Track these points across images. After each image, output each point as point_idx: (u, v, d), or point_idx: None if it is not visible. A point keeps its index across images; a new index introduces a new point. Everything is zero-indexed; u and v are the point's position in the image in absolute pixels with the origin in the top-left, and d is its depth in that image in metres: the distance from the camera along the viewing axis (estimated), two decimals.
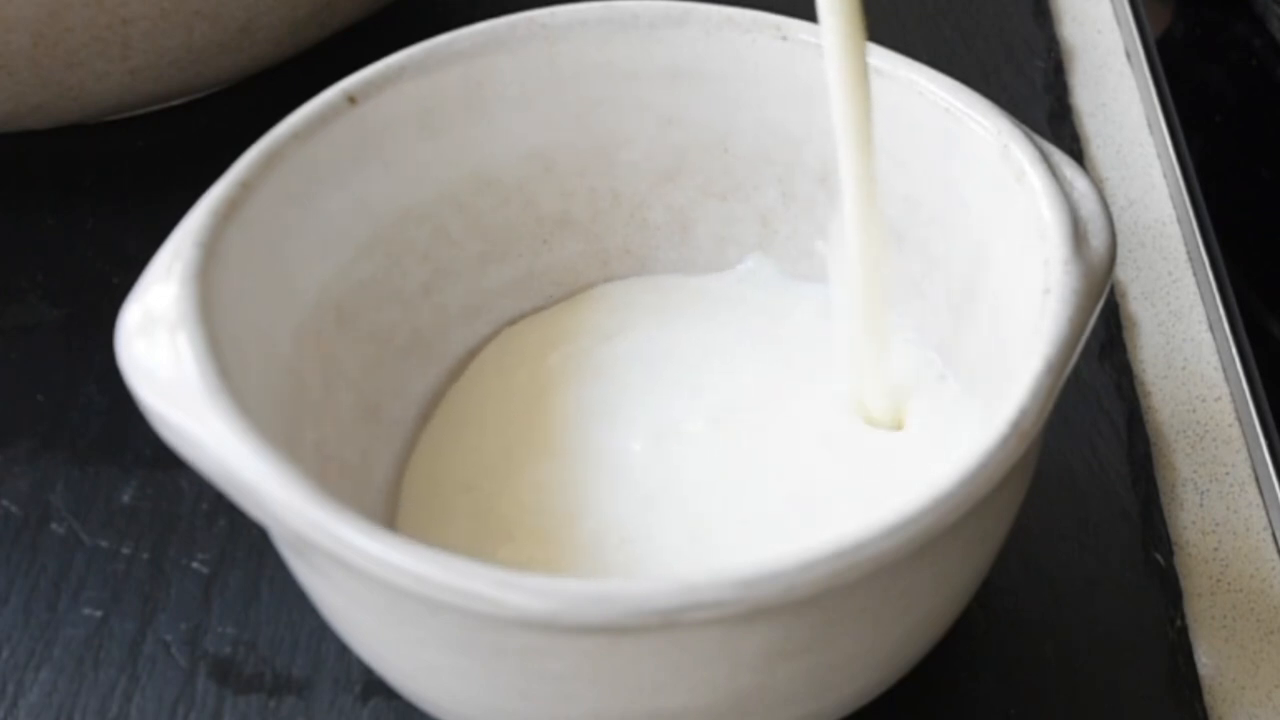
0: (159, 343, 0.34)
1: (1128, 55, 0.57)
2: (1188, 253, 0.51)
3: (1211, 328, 0.49)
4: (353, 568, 0.31)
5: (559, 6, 0.41)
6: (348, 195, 0.40)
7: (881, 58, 0.39)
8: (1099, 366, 0.46)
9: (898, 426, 0.40)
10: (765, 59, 0.41)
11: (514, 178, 0.42)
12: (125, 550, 0.43)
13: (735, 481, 0.39)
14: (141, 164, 0.53)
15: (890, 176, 0.40)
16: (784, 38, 0.40)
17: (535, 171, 0.43)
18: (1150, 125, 0.55)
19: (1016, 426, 0.32)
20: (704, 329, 0.43)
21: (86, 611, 0.42)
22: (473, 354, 0.43)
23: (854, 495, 0.39)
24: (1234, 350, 0.47)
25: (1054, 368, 0.33)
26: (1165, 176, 0.53)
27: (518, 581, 0.30)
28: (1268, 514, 0.44)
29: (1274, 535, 0.44)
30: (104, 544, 0.43)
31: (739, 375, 0.41)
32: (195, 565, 0.43)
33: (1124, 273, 0.50)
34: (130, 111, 0.53)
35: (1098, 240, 0.35)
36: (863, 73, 0.36)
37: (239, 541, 0.43)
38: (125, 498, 0.44)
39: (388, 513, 0.40)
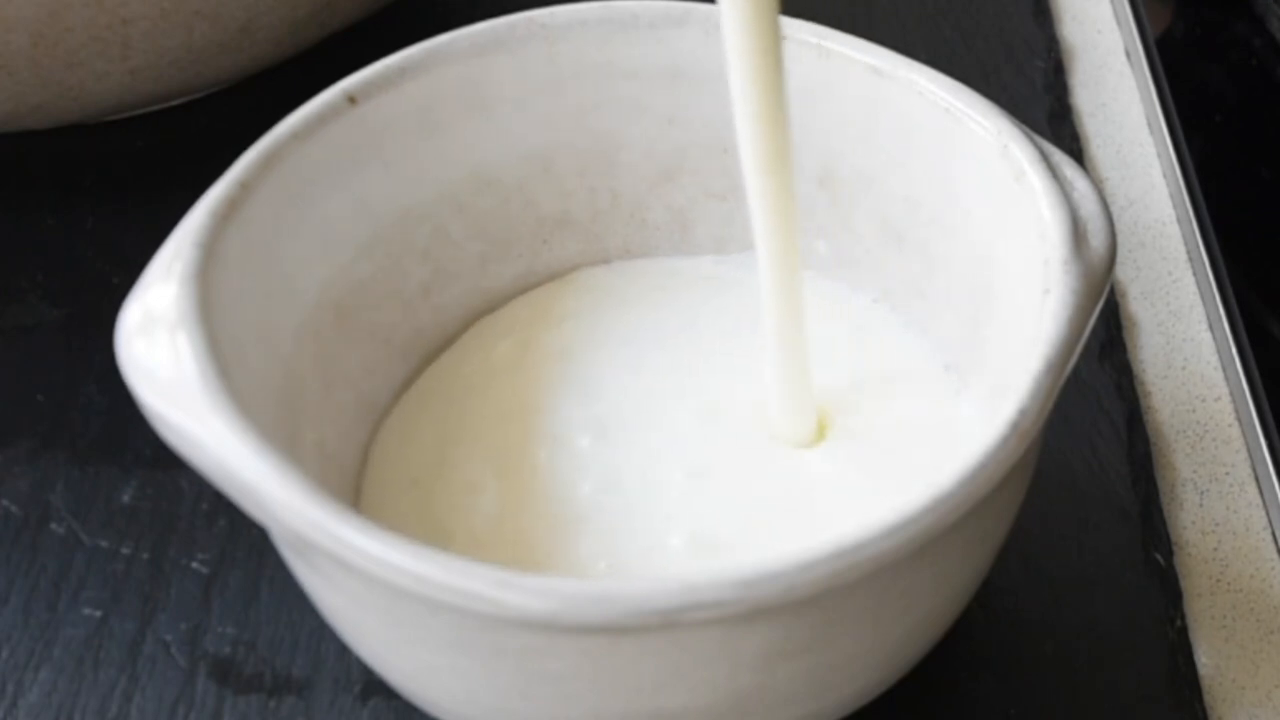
0: (159, 343, 0.34)
1: (1128, 55, 0.57)
2: (1188, 253, 0.51)
3: (1211, 327, 0.49)
4: (352, 568, 0.31)
5: (558, 6, 0.41)
6: (347, 195, 0.40)
7: (881, 57, 0.39)
8: (1099, 366, 0.46)
9: (809, 444, 0.39)
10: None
11: (514, 178, 0.42)
12: (125, 550, 0.43)
13: (714, 478, 0.39)
14: (141, 164, 0.53)
15: (890, 176, 0.40)
16: (783, 37, 0.40)
17: (535, 171, 0.43)
18: (1150, 125, 0.55)
19: (1016, 426, 0.32)
20: (668, 313, 0.43)
21: (86, 611, 0.42)
22: None
23: (849, 496, 0.39)
24: (1234, 350, 0.47)
25: (1054, 368, 0.33)
26: (1165, 176, 0.53)
27: (517, 581, 0.30)
28: (1268, 514, 0.44)
29: (1274, 535, 0.44)
30: (104, 544, 0.43)
31: (710, 362, 0.41)
32: (195, 565, 0.43)
33: (1124, 273, 0.50)
34: (130, 111, 0.53)
35: (1098, 240, 0.35)
36: (771, 46, 0.34)
37: (239, 541, 0.43)
38: (125, 498, 0.44)
39: None
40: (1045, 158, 0.37)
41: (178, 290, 0.35)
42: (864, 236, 0.42)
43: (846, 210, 0.42)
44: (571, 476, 0.39)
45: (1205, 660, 0.41)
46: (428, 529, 0.38)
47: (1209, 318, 0.49)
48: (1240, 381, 0.46)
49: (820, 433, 0.39)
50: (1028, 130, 0.37)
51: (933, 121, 0.39)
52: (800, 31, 0.40)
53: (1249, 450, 0.46)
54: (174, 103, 0.54)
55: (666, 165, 0.43)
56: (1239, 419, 0.46)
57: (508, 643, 0.31)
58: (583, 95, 0.42)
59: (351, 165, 0.40)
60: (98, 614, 0.42)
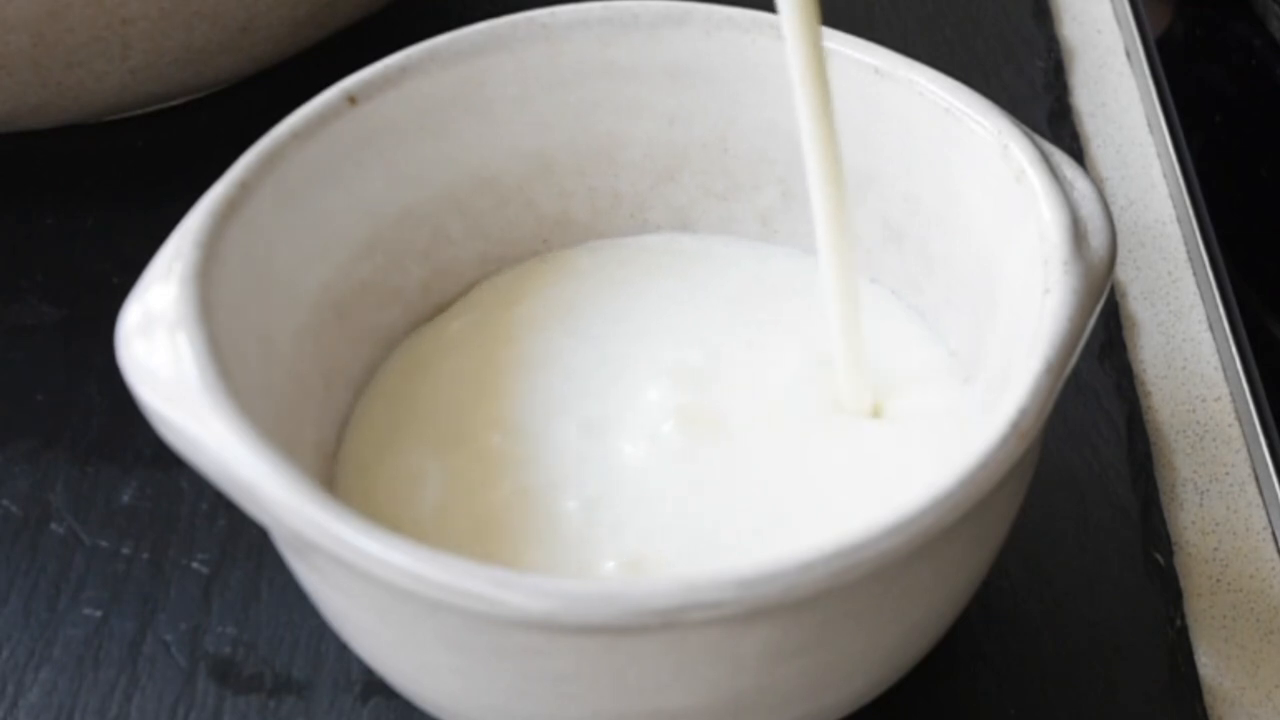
0: (159, 343, 0.34)
1: (1128, 55, 0.57)
2: (1188, 252, 0.51)
3: (1211, 327, 0.49)
4: (353, 568, 0.31)
5: (560, 6, 0.41)
6: (347, 195, 0.40)
7: (881, 57, 0.39)
8: (1099, 366, 0.46)
9: (875, 414, 0.39)
10: (765, 59, 0.41)
11: (514, 178, 0.43)
12: (125, 550, 0.43)
13: (712, 476, 0.39)
14: (141, 164, 0.53)
15: (890, 176, 0.41)
16: (784, 37, 0.40)
17: (535, 171, 0.43)
18: (1150, 125, 0.55)
19: (1016, 426, 0.32)
20: (665, 291, 0.42)
21: (86, 611, 0.42)
22: None
23: (851, 491, 0.39)
24: (1234, 350, 0.47)
25: (1054, 368, 0.33)
26: (1165, 176, 0.53)
27: (517, 581, 0.30)
28: (1268, 514, 0.44)
29: (1274, 535, 0.44)
30: (104, 544, 0.43)
31: (706, 344, 0.41)
32: (195, 565, 0.43)
33: (1124, 273, 0.50)
34: (130, 111, 0.53)
35: (1098, 240, 0.35)
36: (821, 59, 0.36)
37: (239, 541, 0.43)
38: (125, 498, 0.44)
39: None
40: (1045, 158, 0.37)
41: (178, 290, 0.35)
42: (864, 236, 0.42)
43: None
44: (529, 463, 0.39)
45: (1205, 661, 0.42)
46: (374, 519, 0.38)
47: (1209, 317, 0.49)
48: (1240, 381, 0.46)
49: (876, 408, 0.39)
50: (1028, 130, 0.37)
51: (933, 121, 0.39)
52: None
53: (1249, 450, 0.46)
54: (174, 103, 0.54)
55: (667, 165, 0.43)
56: (1239, 419, 0.46)
57: (507, 643, 0.31)
58: (583, 95, 0.42)
59: (351, 165, 0.40)
60: (98, 614, 0.42)
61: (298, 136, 0.39)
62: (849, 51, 0.40)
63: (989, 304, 0.38)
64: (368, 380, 0.41)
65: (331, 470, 0.39)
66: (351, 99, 0.40)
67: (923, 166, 0.40)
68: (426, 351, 0.42)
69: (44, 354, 0.48)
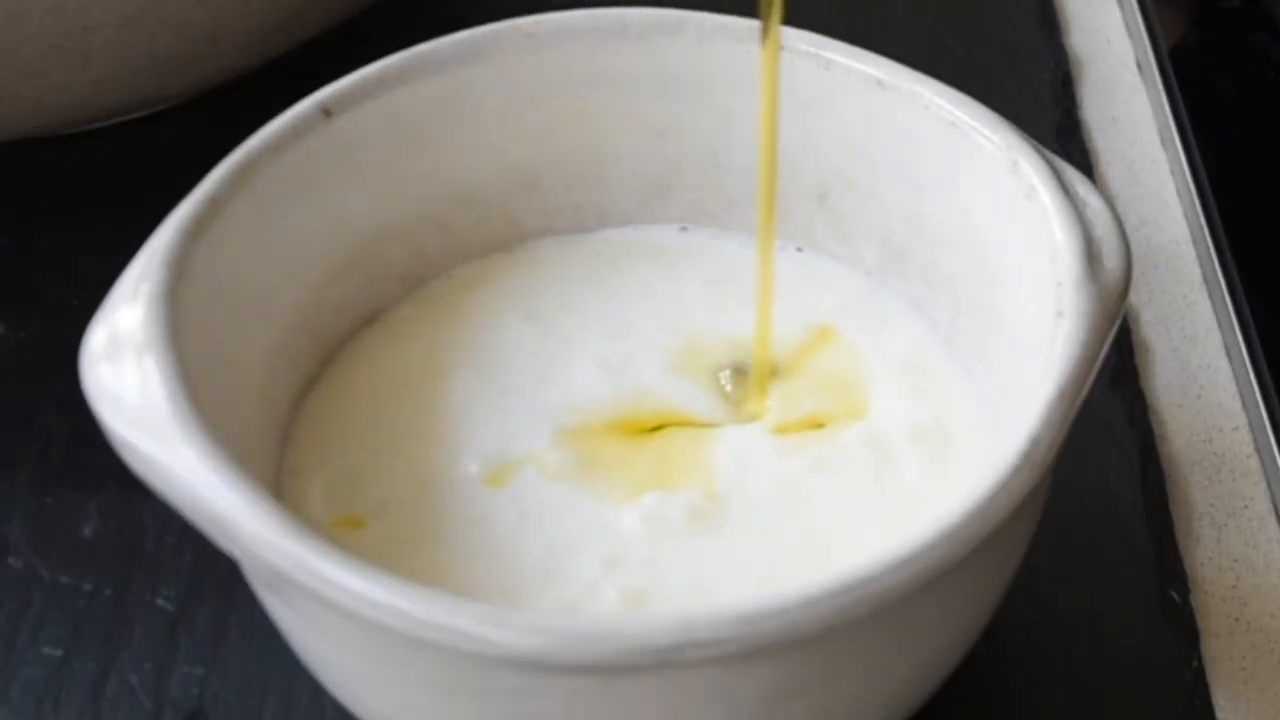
0: (126, 367, 0.34)
1: (1139, 66, 0.57)
2: (1203, 275, 0.51)
3: (1228, 354, 0.49)
4: (330, 604, 0.31)
5: (545, 14, 0.41)
6: (322, 212, 0.40)
7: (883, 68, 0.39)
8: (1111, 395, 0.46)
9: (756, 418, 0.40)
10: (760, 70, 0.41)
11: (496, 194, 0.42)
12: (87, 586, 0.43)
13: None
14: (104, 178, 0.53)
15: (892, 193, 0.41)
16: (779, 48, 0.40)
17: (519, 187, 0.43)
18: (1163, 140, 0.55)
19: (1028, 457, 0.32)
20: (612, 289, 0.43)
21: (46, 650, 0.42)
22: None
23: (862, 524, 0.38)
24: (1252, 377, 0.47)
25: (1067, 394, 0.33)
26: (1179, 194, 0.53)
27: (504, 618, 0.30)
28: None
29: None
30: (64, 579, 0.43)
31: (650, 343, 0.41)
32: (160, 602, 0.42)
33: (1137, 296, 0.50)
34: (91, 124, 0.53)
35: (1112, 261, 0.35)
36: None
37: (207, 576, 0.43)
38: (86, 531, 0.44)
39: None
40: (1057, 174, 0.37)
41: (145, 312, 0.35)
42: (864, 257, 0.42)
43: (847, 228, 0.42)
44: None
45: (1223, 703, 0.41)
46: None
47: (1226, 343, 0.49)
48: (1259, 410, 0.46)
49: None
50: (1038, 145, 0.37)
51: (937, 136, 0.39)
52: (798, 41, 0.40)
53: (1268, 482, 0.46)
54: (138, 115, 0.54)
55: (658, 181, 0.43)
56: (1258, 450, 0.46)
57: (494, 682, 0.31)
58: (570, 107, 0.42)
59: (326, 181, 0.40)
60: (58, 653, 0.41)
61: (270, 150, 0.38)
62: (849, 62, 0.40)
63: (997, 327, 0.38)
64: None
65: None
66: (326, 111, 0.39)
67: (926, 183, 0.40)
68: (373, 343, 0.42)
69: (1, 379, 0.47)
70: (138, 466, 0.33)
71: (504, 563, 0.37)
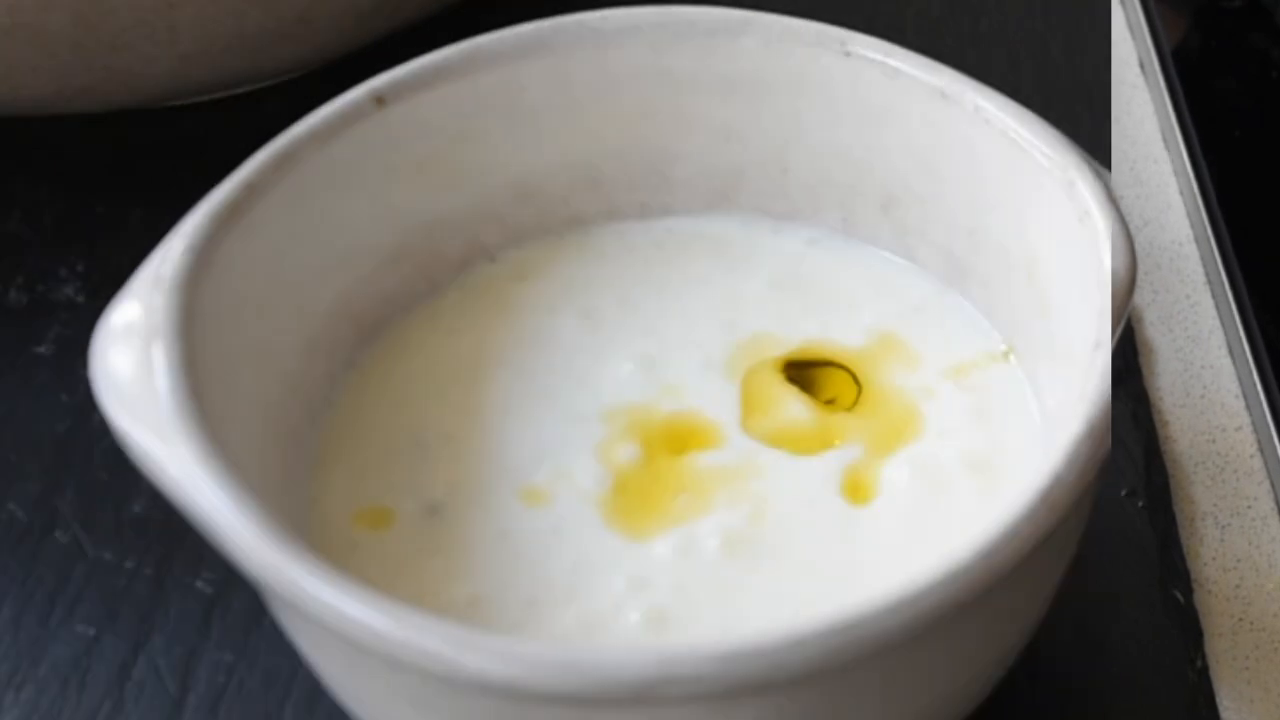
0: (133, 354, 0.33)
1: (1142, 67, 0.56)
2: (1206, 275, 0.50)
3: (1232, 353, 0.47)
4: (307, 615, 0.30)
5: (610, 10, 0.40)
6: (371, 202, 0.39)
7: (946, 78, 0.38)
8: (1114, 394, 0.44)
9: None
10: (828, 75, 0.39)
11: (557, 188, 0.41)
12: (129, 564, 0.42)
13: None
14: (200, 153, 0.52)
15: (956, 207, 0.39)
16: (848, 53, 0.38)
17: (581, 184, 0.41)
18: (1166, 141, 0.53)
19: (1047, 497, 0.30)
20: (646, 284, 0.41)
21: (79, 628, 0.41)
22: None
23: (909, 557, 0.36)
24: (1255, 377, 0.46)
25: (1095, 431, 0.31)
26: (1182, 195, 0.52)
27: (477, 642, 0.29)
28: None
29: None
30: (107, 556, 0.42)
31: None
32: (199, 584, 0.41)
33: (1140, 296, 0.49)
34: (193, 98, 0.52)
35: (1117, 262, 0.33)
36: None
37: None
38: (137, 508, 0.43)
39: None
40: (1113, 200, 0.34)
41: (162, 298, 0.34)
42: (928, 267, 0.40)
43: (912, 240, 0.40)
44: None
45: (1227, 704, 0.40)
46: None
47: (1229, 343, 0.48)
48: (1263, 410, 0.45)
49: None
50: (1097, 165, 0.35)
51: (998, 150, 0.37)
52: (866, 49, 0.38)
53: (1272, 482, 0.44)
54: (241, 90, 0.53)
55: (722, 184, 0.41)
56: (1261, 449, 0.45)
57: (470, 707, 0.30)
58: (633, 104, 0.40)
59: (377, 170, 0.39)
60: (91, 631, 0.41)
61: (317, 138, 0.37)
62: (913, 71, 0.38)
63: (1049, 351, 0.36)
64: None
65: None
66: (379, 100, 0.38)
67: (989, 198, 0.38)
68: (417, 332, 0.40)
69: (75, 349, 0.47)
70: (133, 454, 0.32)
71: (529, 574, 0.35)
